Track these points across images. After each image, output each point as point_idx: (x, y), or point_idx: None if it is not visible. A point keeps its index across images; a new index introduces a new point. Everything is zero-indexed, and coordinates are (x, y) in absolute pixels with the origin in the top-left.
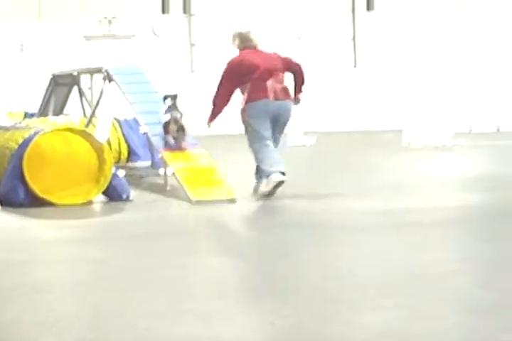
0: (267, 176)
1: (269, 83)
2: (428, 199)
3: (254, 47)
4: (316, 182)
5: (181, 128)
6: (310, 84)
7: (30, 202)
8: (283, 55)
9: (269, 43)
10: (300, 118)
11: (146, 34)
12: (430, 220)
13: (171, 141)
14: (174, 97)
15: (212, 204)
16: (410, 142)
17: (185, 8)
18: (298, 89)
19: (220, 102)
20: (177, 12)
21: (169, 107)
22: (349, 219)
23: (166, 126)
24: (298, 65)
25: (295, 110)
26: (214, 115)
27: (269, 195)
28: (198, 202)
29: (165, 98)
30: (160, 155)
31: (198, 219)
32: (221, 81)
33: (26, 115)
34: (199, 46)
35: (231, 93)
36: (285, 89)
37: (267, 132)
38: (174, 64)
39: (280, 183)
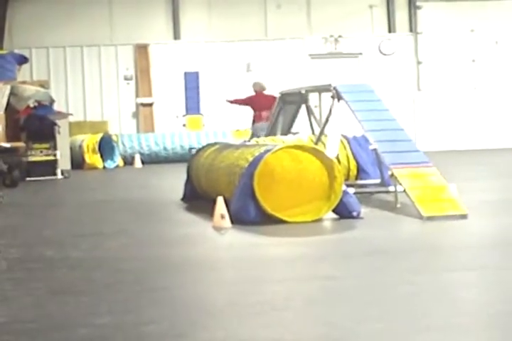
0: None
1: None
2: None
3: None
4: None
5: None
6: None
7: (261, 219)
8: None
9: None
10: None
11: (373, 52)
12: None
13: None
14: None
15: (444, 220)
16: None
17: (412, 27)
18: None
19: None
20: (403, 30)
21: None
22: None
23: None
24: None
25: None
26: None
27: None
28: (430, 218)
29: None
30: (390, 173)
31: (431, 236)
32: None
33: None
34: (426, 64)
35: None
36: None
37: None
38: (401, 82)
39: None
